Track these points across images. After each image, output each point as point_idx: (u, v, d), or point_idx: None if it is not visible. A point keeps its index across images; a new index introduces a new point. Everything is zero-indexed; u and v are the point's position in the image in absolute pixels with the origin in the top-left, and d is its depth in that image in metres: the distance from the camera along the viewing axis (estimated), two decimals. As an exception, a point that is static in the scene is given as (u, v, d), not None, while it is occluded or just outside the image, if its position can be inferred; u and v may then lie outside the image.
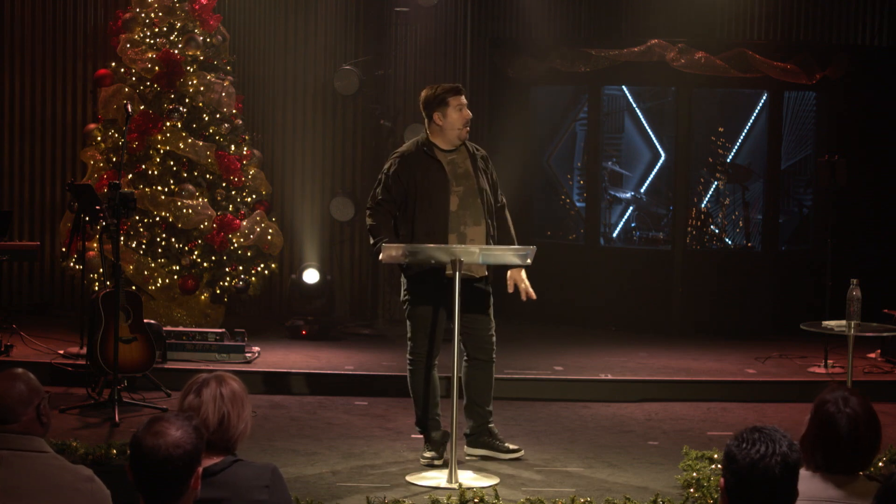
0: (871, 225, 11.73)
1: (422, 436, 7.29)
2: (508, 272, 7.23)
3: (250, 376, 9.06)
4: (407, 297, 7.14)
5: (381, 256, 6.85)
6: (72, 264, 10.43)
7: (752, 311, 11.43)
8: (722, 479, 3.25)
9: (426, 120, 7.15)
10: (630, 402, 9.01)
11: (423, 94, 7.17)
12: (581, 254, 11.76)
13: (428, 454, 7.15)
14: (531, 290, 7.20)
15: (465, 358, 7.23)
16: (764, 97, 11.65)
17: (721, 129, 11.94)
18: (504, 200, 7.34)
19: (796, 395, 9.00)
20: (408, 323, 7.19)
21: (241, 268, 10.56)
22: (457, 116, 7.05)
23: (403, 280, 7.17)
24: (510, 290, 7.26)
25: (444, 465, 6.97)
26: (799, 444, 3.70)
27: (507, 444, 7.33)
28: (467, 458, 7.25)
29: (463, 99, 7.09)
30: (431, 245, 6.89)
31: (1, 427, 3.84)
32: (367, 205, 7.22)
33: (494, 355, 7.29)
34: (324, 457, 7.27)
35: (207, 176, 10.56)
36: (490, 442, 7.30)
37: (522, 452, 7.34)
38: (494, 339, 7.27)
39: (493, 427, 7.34)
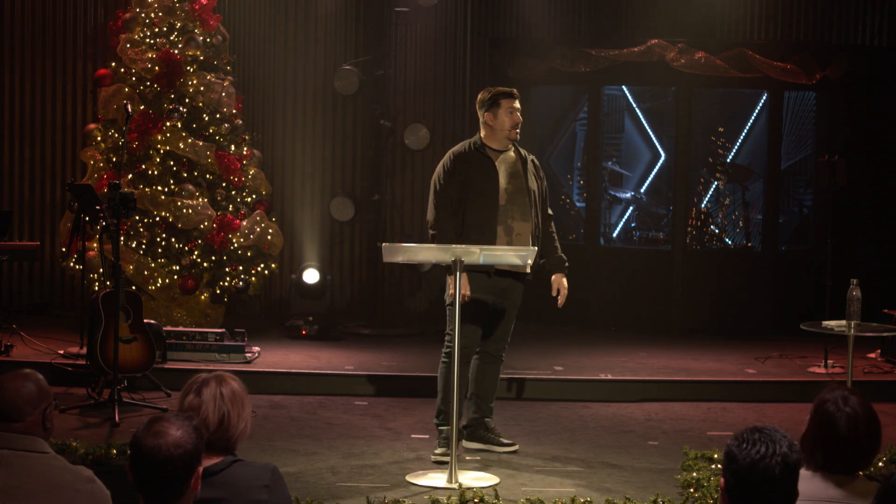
0: (871, 225, 11.73)
1: (427, 436, 7.31)
2: (553, 276, 7.48)
3: (250, 376, 9.05)
4: (452, 290, 7.16)
5: (384, 256, 6.91)
6: (72, 264, 10.43)
7: (752, 311, 11.43)
8: (722, 479, 3.25)
9: (480, 120, 7.43)
10: (630, 402, 9.01)
11: (479, 95, 7.48)
12: (581, 254, 11.74)
13: (438, 451, 7.21)
14: (564, 297, 7.47)
15: (476, 350, 7.38)
16: (764, 97, 11.65)
17: (721, 129, 11.94)
18: (551, 213, 7.57)
19: (796, 395, 8.99)
20: (449, 316, 7.19)
21: (241, 268, 10.56)
22: (507, 118, 7.31)
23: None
24: (554, 293, 7.45)
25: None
26: (799, 444, 3.70)
27: (502, 439, 7.48)
28: (465, 454, 7.25)
29: (516, 103, 7.36)
30: (432, 245, 7.01)
31: (5, 425, 3.84)
32: (430, 199, 7.37)
33: (504, 356, 7.52)
34: (324, 457, 7.27)
35: (207, 176, 10.56)
36: (486, 436, 7.46)
37: (517, 447, 7.43)
38: (509, 340, 7.52)
39: (490, 422, 7.49)
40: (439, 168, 7.37)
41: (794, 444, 3.23)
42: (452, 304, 7.03)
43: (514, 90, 7.48)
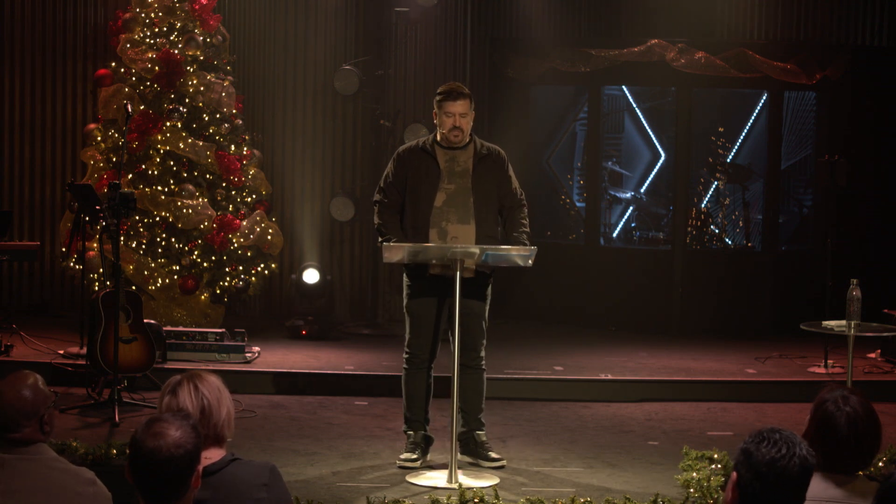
0: (872, 225, 11.73)
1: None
2: None
3: (250, 376, 9.07)
4: (406, 293, 7.16)
5: (384, 256, 6.87)
6: (72, 264, 10.43)
7: (752, 311, 11.43)
8: (735, 474, 3.20)
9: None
10: (630, 402, 9.01)
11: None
12: (581, 254, 11.75)
13: (403, 455, 7.09)
14: None
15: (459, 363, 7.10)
16: (764, 97, 11.65)
17: (721, 129, 11.94)
18: (522, 201, 7.22)
19: (796, 395, 8.99)
20: (405, 319, 7.20)
21: (241, 268, 10.56)
22: (443, 120, 7.03)
23: (405, 276, 7.18)
24: None
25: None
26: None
27: (491, 454, 7.14)
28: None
29: (452, 106, 6.98)
30: (432, 245, 6.92)
31: (2, 434, 3.84)
32: (374, 199, 7.26)
33: (483, 363, 7.16)
34: (324, 457, 7.27)
35: (207, 176, 10.56)
36: (475, 449, 7.14)
37: (505, 462, 7.14)
38: (482, 345, 7.14)
39: (482, 435, 7.17)
40: (388, 166, 7.21)
41: (811, 451, 3.22)
42: (406, 306, 7.06)
43: (456, 90, 7.04)
